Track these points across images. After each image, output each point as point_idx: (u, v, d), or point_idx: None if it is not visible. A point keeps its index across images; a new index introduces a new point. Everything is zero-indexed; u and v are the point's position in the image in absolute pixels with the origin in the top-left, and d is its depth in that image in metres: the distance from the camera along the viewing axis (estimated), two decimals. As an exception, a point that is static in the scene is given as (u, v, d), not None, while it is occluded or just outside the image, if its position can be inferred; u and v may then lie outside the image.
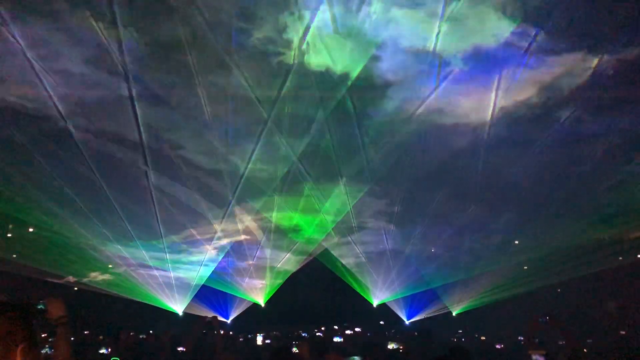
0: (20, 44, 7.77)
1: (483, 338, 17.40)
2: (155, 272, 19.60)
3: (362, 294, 20.20)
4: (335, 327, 20.28)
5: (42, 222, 14.07)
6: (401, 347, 9.60)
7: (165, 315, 19.27)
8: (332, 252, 18.08)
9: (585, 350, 8.21)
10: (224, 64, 8.78)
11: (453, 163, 11.88)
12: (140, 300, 19.44)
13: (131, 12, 7.68)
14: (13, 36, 7.56)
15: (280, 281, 19.75)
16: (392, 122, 10.55)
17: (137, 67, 8.66)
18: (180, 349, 8.65)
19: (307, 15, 8.07)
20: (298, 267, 19.25)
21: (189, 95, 9.49)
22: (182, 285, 20.22)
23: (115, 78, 8.81)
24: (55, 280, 17.32)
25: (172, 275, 19.20)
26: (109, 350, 7.41)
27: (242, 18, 8.15)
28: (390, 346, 9.92)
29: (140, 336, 9.85)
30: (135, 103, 9.23)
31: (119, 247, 15.71)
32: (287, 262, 18.71)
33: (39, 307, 3.12)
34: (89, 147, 10.62)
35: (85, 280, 19.21)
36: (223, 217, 14.62)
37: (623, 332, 14.62)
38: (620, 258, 18.59)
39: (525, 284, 19.08)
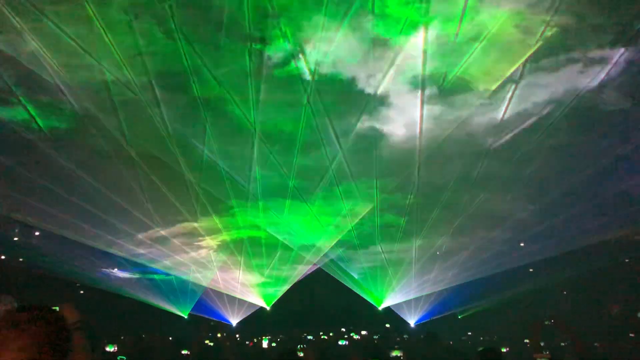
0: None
1: (494, 338, 17.35)
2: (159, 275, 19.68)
3: (367, 297, 20.16)
4: (343, 329, 20.28)
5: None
6: (401, 356, 9.61)
7: (169, 318, 19.31)
8: (343, 255, 18.08)
9: (593, 353, 8.16)
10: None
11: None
12: (146, 303, 19.50)
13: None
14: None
15: (287, 286, 19.76)
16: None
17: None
18: (184, 352, 8.68)
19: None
20: (307, 271, 19.28)
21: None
22: (186, 289, 20.29)
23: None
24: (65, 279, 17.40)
25: (175, 279, 19.28)
26: (115, 348, 7.44)
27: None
28: (394, 354, 9.91)
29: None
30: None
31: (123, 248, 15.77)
32: (297, 266, 18.75)
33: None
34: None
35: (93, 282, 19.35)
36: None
37: (632, 335, 14.52)
38: (627, 260, 18.48)
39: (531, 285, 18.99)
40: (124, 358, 7.24)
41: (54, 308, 3.17)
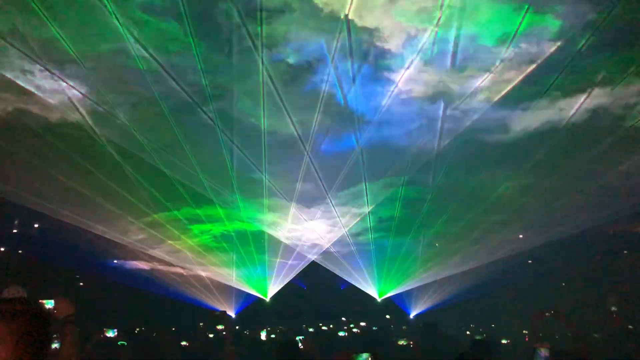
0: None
1: (493, 325, 17.43)
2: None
3: (367, 289, 20.24)
4: (343, 319, 20.37)
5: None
6: (411, 343, 9.66)
7: (170, 308, 19.34)
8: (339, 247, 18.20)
9: (590, 344, 8.19)
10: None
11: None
12: (145, 294, 19.54)
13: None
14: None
15: (288, 278, 19.86)
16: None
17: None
18: (183, 343, 8.70)
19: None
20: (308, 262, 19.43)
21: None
22: (186, 279, 20.30)
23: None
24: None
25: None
26: (115, 333, 7.39)
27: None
28: (401, 342, 9.97)
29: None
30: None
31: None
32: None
33: (47, 304, 3.17)
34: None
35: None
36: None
37: (631, 327, 14.54)
38: (626, 252, 18.54)
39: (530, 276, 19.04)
40: (124, 343, 7.23)
41: (41, 301, 3.19)
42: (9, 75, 8.71)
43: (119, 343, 7.16)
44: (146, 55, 8.30)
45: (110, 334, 7.29)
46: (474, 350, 4.86)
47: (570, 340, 6.13)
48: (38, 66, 8.57)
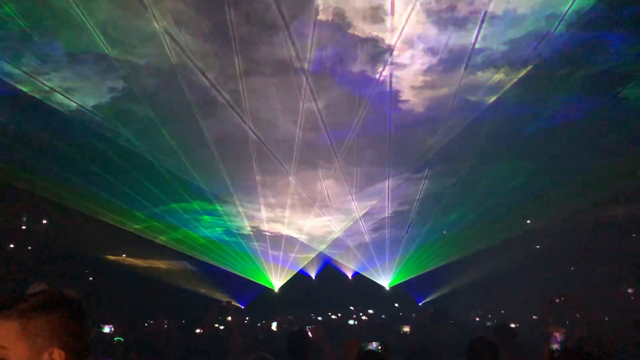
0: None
1: (502, 312, 17.42)
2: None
3: (375, 277, 20.25)
4: (352, 308, 20.43)
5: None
6: (407, 331, 9.68)
7: (179, 299, 19.40)
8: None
9: (602, 327, 8.14)
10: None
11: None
12: (155, 286, 19.62)
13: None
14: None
15: (296, 269, 19.95)
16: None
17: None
18: (197, 330, 8.72)
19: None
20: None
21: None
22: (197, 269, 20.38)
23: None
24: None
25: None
26: (112, 329, 7.32)
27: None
28: (406, 329, 10.00)
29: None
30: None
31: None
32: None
33: None
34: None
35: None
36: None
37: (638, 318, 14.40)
38: (634, 235, 18.41)
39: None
40: (121, 339, 7.18)
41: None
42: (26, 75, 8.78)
43: (115, 339, 7.08)
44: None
45: (106, 329, 7.18)
46: (498, 335, 4.80)
47: (582, 325, 6.08)
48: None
